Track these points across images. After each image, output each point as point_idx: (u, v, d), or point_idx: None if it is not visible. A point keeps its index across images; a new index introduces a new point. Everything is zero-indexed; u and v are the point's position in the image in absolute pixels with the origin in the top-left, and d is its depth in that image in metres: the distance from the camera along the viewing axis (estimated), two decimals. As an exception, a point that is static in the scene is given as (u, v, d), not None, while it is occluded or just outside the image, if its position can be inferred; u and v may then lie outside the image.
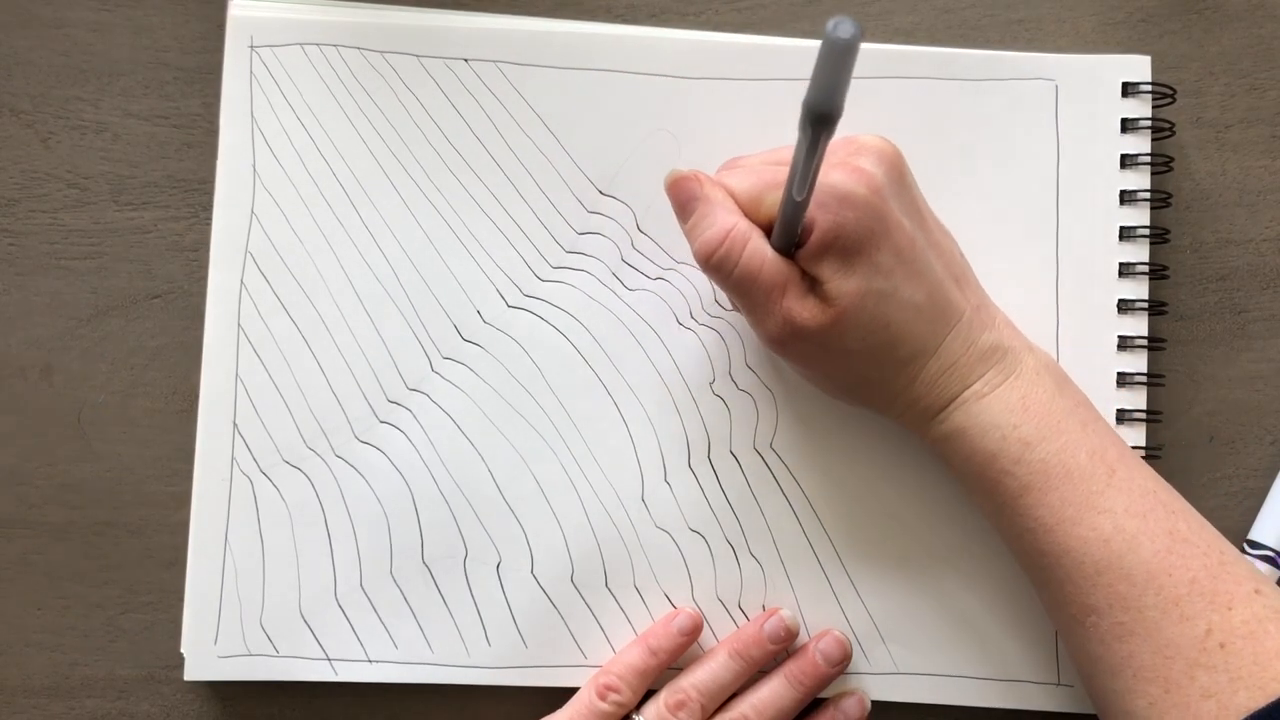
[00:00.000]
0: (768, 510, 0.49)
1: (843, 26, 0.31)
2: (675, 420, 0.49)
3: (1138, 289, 0.49)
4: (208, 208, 0.50)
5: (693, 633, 0.48)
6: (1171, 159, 0.49)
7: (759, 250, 0.42)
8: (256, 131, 0.49)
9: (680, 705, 0.46)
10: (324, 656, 0.48)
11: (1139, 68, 0.49)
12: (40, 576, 0.49)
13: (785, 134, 0.49)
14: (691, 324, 0.49)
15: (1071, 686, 0.48)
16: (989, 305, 0.45)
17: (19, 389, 0.50)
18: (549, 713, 0.46)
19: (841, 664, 0.47)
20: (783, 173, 0.41)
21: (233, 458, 0.48)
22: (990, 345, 0.43)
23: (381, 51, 0.49)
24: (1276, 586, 0.41)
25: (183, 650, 0.48)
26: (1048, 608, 0.44)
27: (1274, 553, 0.49)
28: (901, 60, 0.49)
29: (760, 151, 0.47)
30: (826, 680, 0.47)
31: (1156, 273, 0.49)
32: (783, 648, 0.48)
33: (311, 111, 0.49)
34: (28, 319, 0.50)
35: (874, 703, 0.48)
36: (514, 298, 0.49)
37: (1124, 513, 0.41)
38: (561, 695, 0.47)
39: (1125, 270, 0.49)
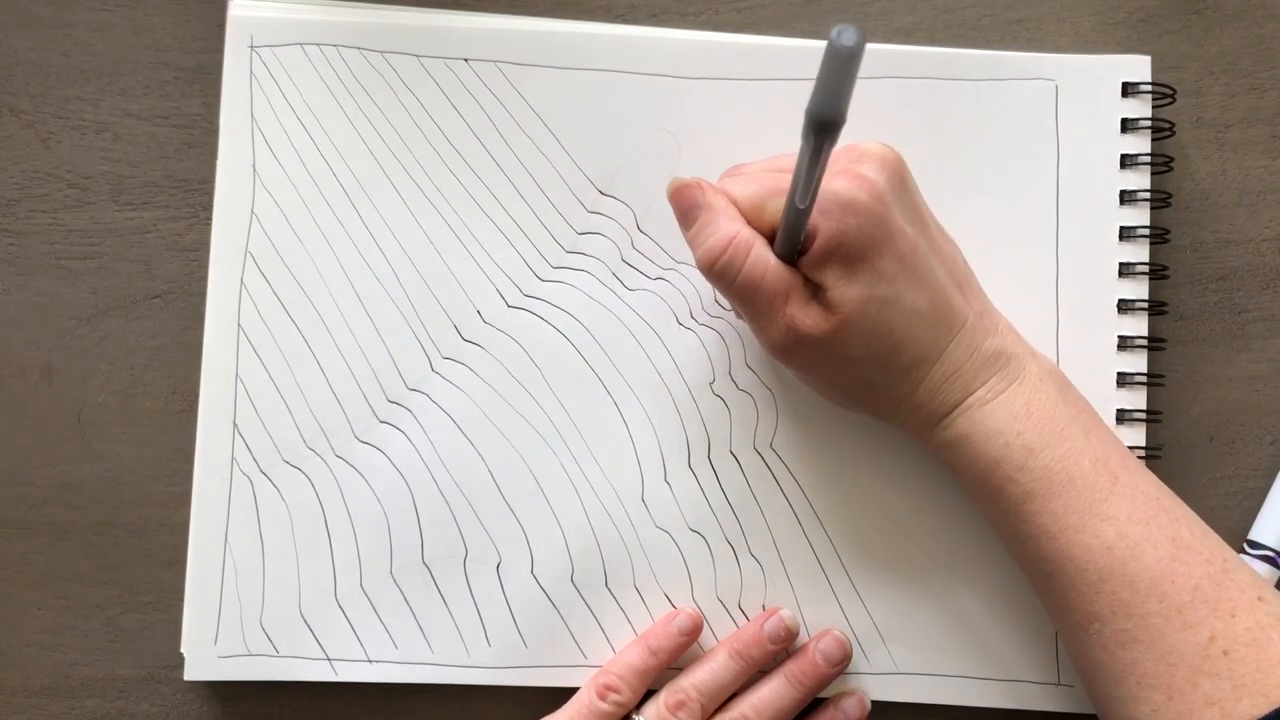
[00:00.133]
0: (768, 510, 0.49)
1: (846, 34, 0.31)
2: (675, 420, 0.49)
3: (1138, 289, 0.49)
4: (208, 208, 0.50)
5: (693, 633, 0.48)
6: (1171, 159, 0.49)
7: (762, 258, 0.42)
8: (256, 131, 0.49)
9: (680, 705, 0.46)
10: (324, 656, 0.48)
11: (1139, 68, 0.49)
12: (40, 576, 0.49)
13: (785, 134, 0.49)
14: (691, 324, 0.49)
15: (1071, 686, 0.48)
16: (992, 311, 0.45)
17: (19, 389, 0.50)
18: (549, 713, 0.46)
19: (841, 664, 0.47)
20: (785, 180, 0.41)
21: (233, 458, 0.48)
22: (993, 351, 0.43)
23: (381, 51, 0.49)
24: (1279, 593, 0.41)
25: (183, 650, 0.48)
26: (1051, 614, 0.44)
27: (1274, 553, 0.49)
28: (901, 60, 0.49)
29: (762, 159, 0.46)
30: (826, 680, 0.47)
31: (1156, 273, 0.49)
32: (783, 648, 0.48)
33: (311, 111, 0.49)
34: (28, 319, 0.50)
35: (874, 703, 0.48)
36: (514, 298, 0.49)
37: (1127, 520, 0.41)
38: (561, 695, 0.47)
39: (1125, 270, 0.49)
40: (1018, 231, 0.49)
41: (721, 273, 0.42)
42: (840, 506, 0.49)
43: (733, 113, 0.49)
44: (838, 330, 0.41)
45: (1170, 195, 0.50)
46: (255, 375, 0.49)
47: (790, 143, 0.49)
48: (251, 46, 0.49)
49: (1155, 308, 0.49)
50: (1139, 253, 0.49)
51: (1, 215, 0.50)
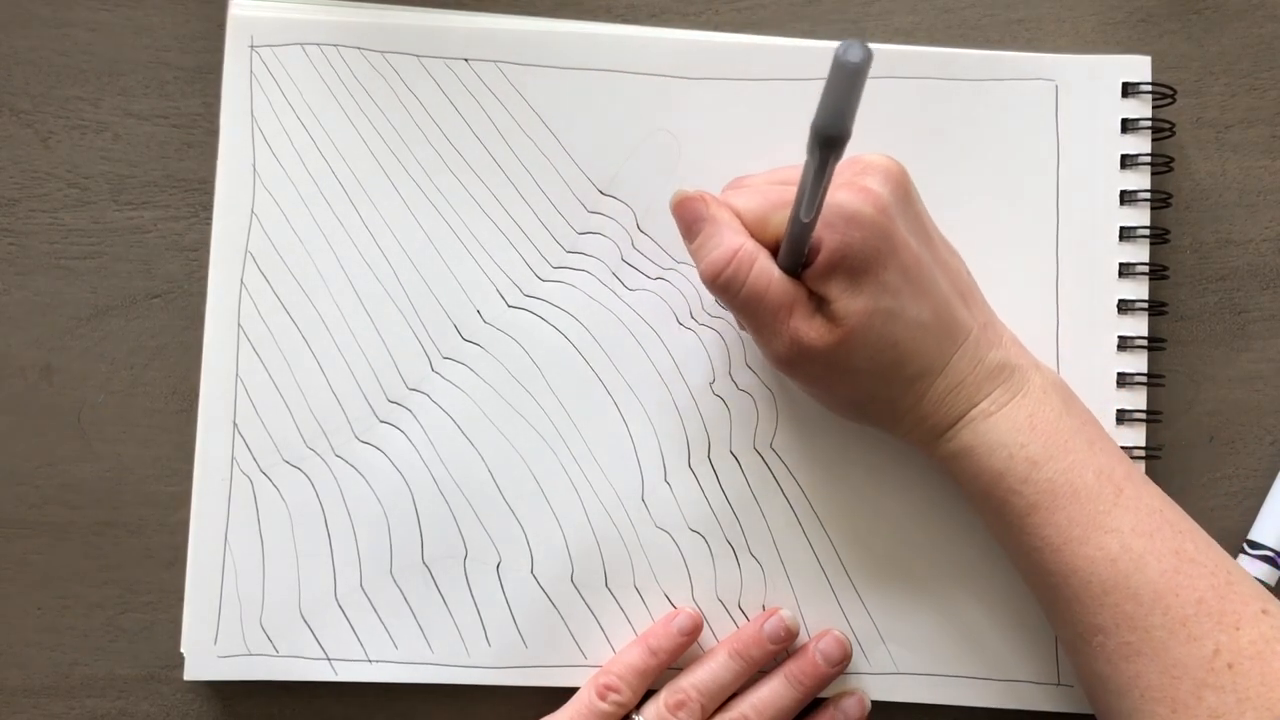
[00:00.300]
0: (768, 510, 0.49)
1: (853, 50, 0.31)
2: (675, 420, 0.49)
3: (1138, 289, 0.49)
4: (208, 208, 0.50)
5: (693, 633, 0.48)
6: (1171, 159, 0.49)
7: (766, 270, 0.42)
8: (256, 131, 0.49)
9: (680, 705, 0.46)
10: (324, 656, 0.48)
11: (1139, 68, 0.49)
12: (40, 576, 0.49)
13: (786, 134, 0.49)
14: (691, 324, 0.49)
15: (1071, 686, 0.48)
16: (996, 323, 0.45)
17: (19, 389, 0.50)
18: (549, 713, 0.46)
19: (841, 664, 0.47)
20: (788, 192, 0.41)
21: (233, 458, 0.48)
22: (997, 363, 0.43)
23: (381, 51, 0.49)
24: None
25: (183, 650, 0.48)
26: (1054, 626, 0.44)
27: (1274, 553, 0.49)
28: (901, 60, 0.49)
29: (765, 171, 0.46)
30: (826, 680, 0.47)
31: (1156, 273, 0.49)
32: (783, 648, 0.48)
33: (311, 111, 0.49)
34: (28, 319, 0.50)
35: (874, 703, 0.48)
36: (514, 298, 0.49)
37: (1131, 532, 0.41)
38: (561, 695, 0.47)
39: (1125, 270, 0.49)
40: (1018, 231, 0.49)
41: (725, 286, 0.42)
42: (840, 507, 0.49)
43: (733, 113, 0.49)
44: (842, 343, 0.41)
45: (1170, 195, 0.50)
46: (255, 375, 0.49)
47: (790, 142, 0.49)
48: (251, 46, 0.49)
49: (1155, 308, 0.49)
50: (1139, 253, 0.49)
51: (1, 215, 0.50)
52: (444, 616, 0.48)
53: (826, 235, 0.40)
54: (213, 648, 0.48)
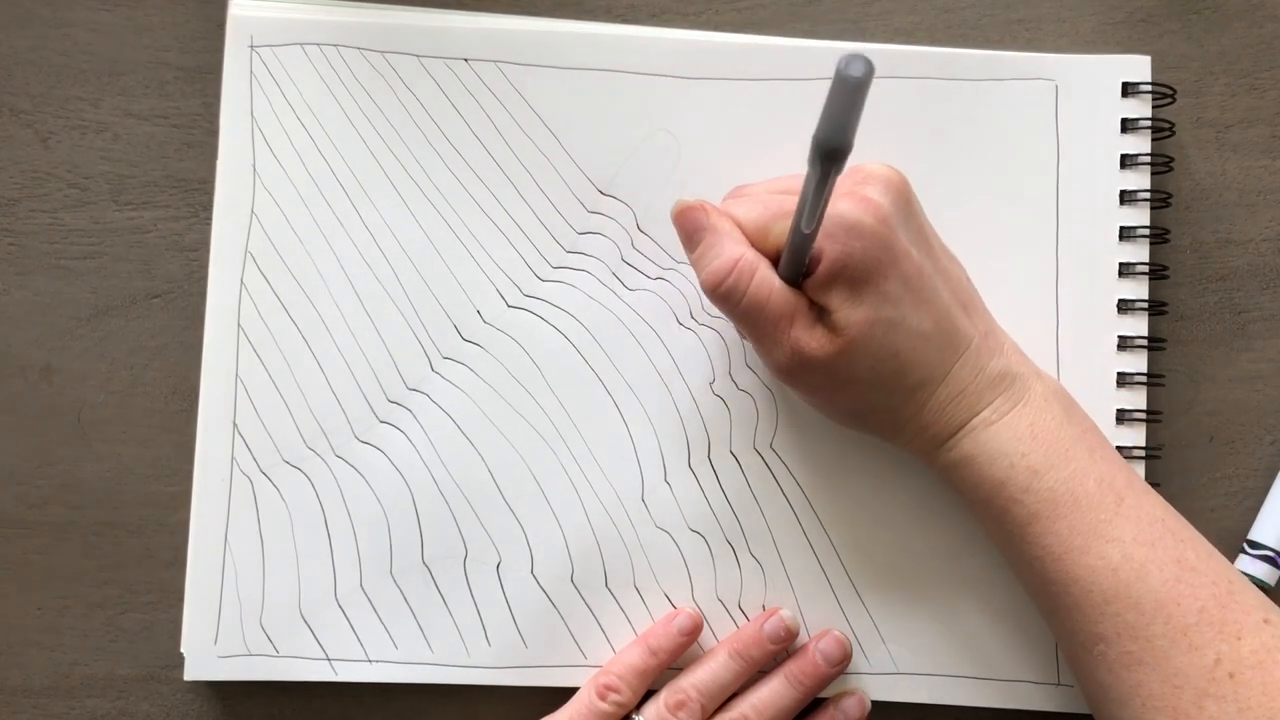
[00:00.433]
0: (768, 510, 0.49)
1: (854, 65, 0.31)
2: (675, 420, 0.49)
3: (1138, 289, 0.49)
4: (208, 208, 0.50)
5: (693, 633, 0.48)
6: (1171, 159, 0.49)
7: (766, 280, 0.42)
8: (256, 131, 0.49)
9: (680, 705, 0.46)
10: (324, 656, 0.48)
11: (1139, 68, 0.49)
12: (40, 576, 0.49)
13: (786, 134, 0.49)
14: (691, 324, 0.49)
15: (1071, 687, 0.48)
16: (997, 331, 0.45)
17: (19, 389, 0.50)
18: (549, 713, 0.46)
19: (841, 664, 0.47)
20: (789, 202, 0.41)
21: (233, 458, 0.48)
22: (998, 372, 0.43)
23: (381, 51, 0.49)
24: None
25: (183, 650, 0.48)
26: (1056, 635, 0.44)
27: (1274, 553, 0.49)
28: (901, 60, 0.49)
29: (766, 180, 0.46)
30: (826, 680, 0.47)
31: (1156, 273, 0.49)
32: (783, 648, 0.48)
33: (311, 111, 0.49)
34: (28, 319, 0.50)
35: (874, 703, 0.48)
36: (514, 298, 0.49)
37: (1132, 541, 0.41)
38: (561, 695, 0.47)
39: (1125, 270, 0.49)
40: (1018, 231, 0.49)
41: (726, 296, 0.42)
42: (840, 507, 0.49)
43: (733, 113, 0.49)
44: (842, 353, 0.41)
45: (1170, 195, 0.50)
46: (255, 375, 0.49)
47: (791, 142, 0.49)
48: (251, 46, 0.49)
49: (1155, 308, 0.49)
50: (1139, 253, 0.49)
51: (1, 215, 0.50)
52: (444, 616, 0.48)
53: (827, 245, 0.40)
54: (213, 648, 0.48)
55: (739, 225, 0.43)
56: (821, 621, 0.48)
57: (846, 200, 0.41)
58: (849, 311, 0.41)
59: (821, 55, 0.49)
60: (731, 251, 0.42)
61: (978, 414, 0.43)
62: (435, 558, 0.48)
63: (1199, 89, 0.51)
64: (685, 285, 0.49)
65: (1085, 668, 0.42)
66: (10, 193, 0.50)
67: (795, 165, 0.47)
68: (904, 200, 0.42)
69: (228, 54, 0.49)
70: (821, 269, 0.41)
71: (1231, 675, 0.39)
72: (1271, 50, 0.51)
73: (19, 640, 0.49)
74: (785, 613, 0.48)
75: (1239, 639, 0.40)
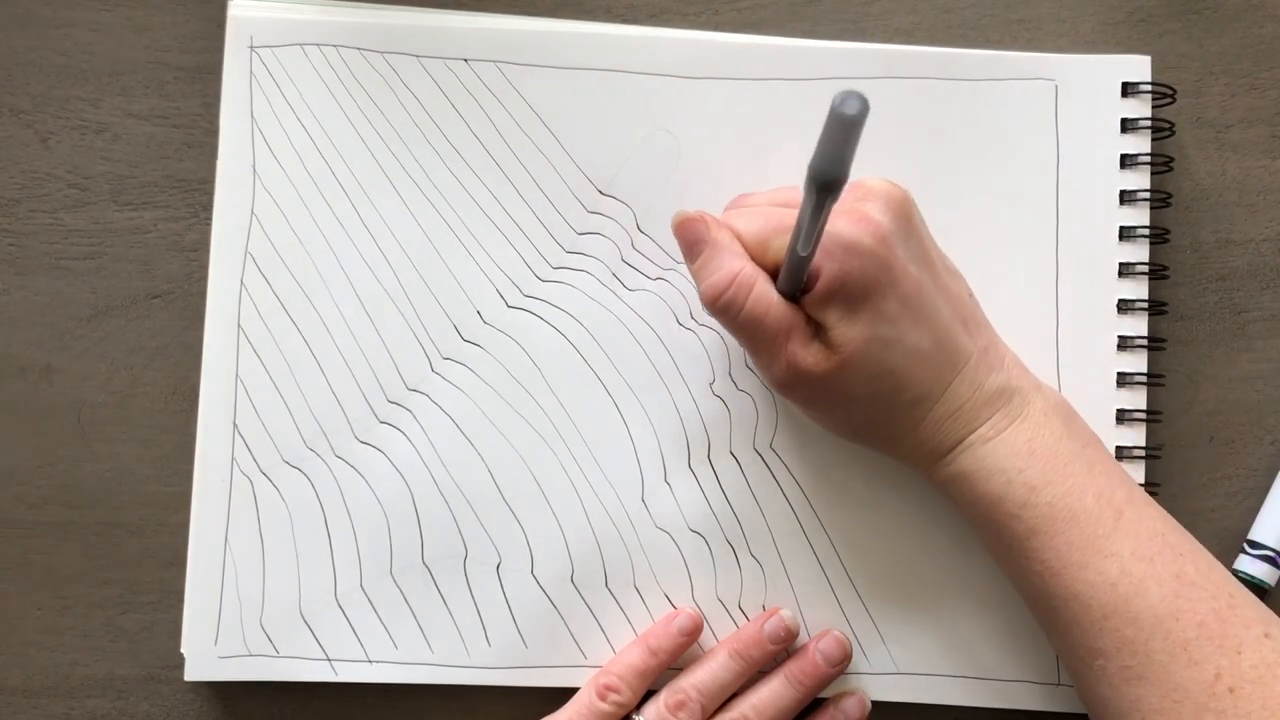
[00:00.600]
0: (768, 510, 0.49)
1: (850, 103, 0.32)
2: (675, 420, 0.49)
3: (1138, 289, 0.49)
4: (208, 208, 0.50)
5: (693, 633, 0.48)
6: (1171, 159, 0.49)
7: (764, 295, 0.42)
8: (256, 131, 0.49)
9: (680, 705, 0.46)
10: (324, 657, 0.48)
11: (1139, 68, 0.49)
12: (40, 576, 0.49)
13: (785, 133, 0.49)
14: (691, 324, 0.49)
15: (1071, 687, 0.48)
16: (998, 345, 0.44)
17: (19, 389, 0.50)
18: (549, 713, 0.46)
19: (841, 664, 0.47)
20: (790, 216, 0.41)
21: (233, 458, 0.48)
22: (997, 388, 0.43)
23: (381, 51, 0.49)
24: None
25: (183, 650, 0.48)
26: (1056, 648, 0.44)
27: (1274, 553, 0.49)
28: (901, 60, 0.49)
29: (767, 190, 0.46)
30: (826, 680, 0.47)
31: (1156, 273, 0.49)
32: (783, 648, 0.48)
33: (311, 111, 0.49)
34: (28, 319, 0.50)
35: (874, 703, 0.48)
36: (514, 298, 0.49)
37: (1131, 556, 0.41)
38: (561, 695, 0.47)
39: (1125, 270, 0.49)
40: (1018, 231, 0.49)
41: (724, 309, 0.42)
42: (840, 507, 0.49)
43: (733, 113, 0.49)
44: (838, 369, 0.41)
45: (1170, 195, 0.50)
46: (255, 375, 0.49)
47: (790, 142, 0.49)
48: (251, 47, 0.49)
49: (1155, 308, 0.49)
50: (1139, 253, 0.49)
51: (1, 215, 0.50)
52: (444, 617, 0.48)
53: (825, 263, 0.40)
54: (213, 648, 0.48)
55: (739, 238, 0.43)
56: (821, 622, 0.48)
57: (845, 218, 0.41)
58: (845, 329, 0.41)
59: (821, 55, 0.49)
60: (730, 265, 0.42)
61: (975, 430, 0.43)
62: (435, 558, 0.48)
63: (1199, 89, 0.51)
64: (685, 285, 0.49)
65: (1085, 682, 0.42)
66: (10, 193, 0.50)
67: (795, 165, 0.47)
68: (904, 217, 0.42)
69: (228, 54, 0.49)
70: (819, 287, 0.41)
71: (1232, 690, 0.39)
72: (1271, 50, 0.51)
73: (19, 640, 0.49)
74: (785, 613, 0.48)
75: (1239, 653, 0.40)
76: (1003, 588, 0.48)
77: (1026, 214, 0.49)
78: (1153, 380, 0.49)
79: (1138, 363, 0.49)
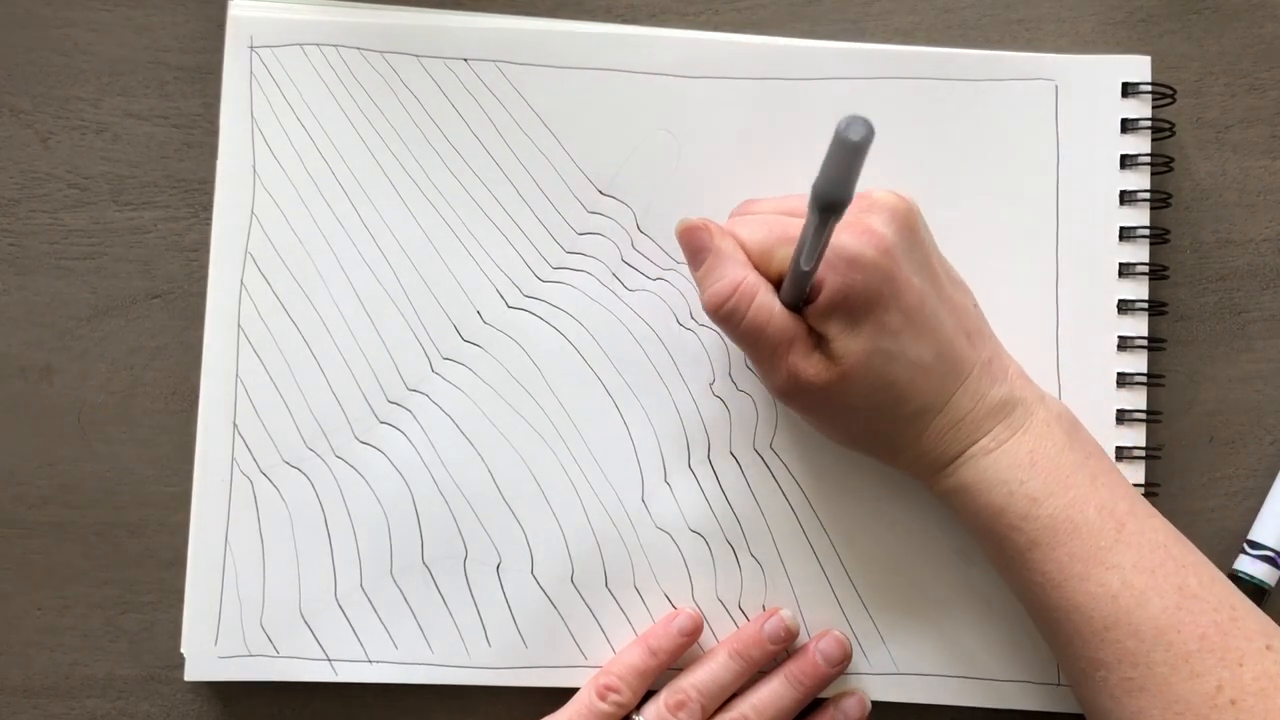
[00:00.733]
0: (768, 510, 0.49)
1: (854, 128, 0.32)
2: (675, 420, 0.49)
3: (1138, 289, 0.49)
4: (208, 208, 0.50)
5: (693, 633, 0.48)
6: (1171, 159, 0.49)
7: (766, 305, 0.42)
8: (256, 131, 0.49)
9: (680, 705, 0.46)
10: (324, 657, 0.48)
11: (1139, 68, 0.49)
12: (40, 576, 0.49)
13: (785, 134, 0.49)
14: (691, 324, 0.49)
15: (1070, 687, 0.48)
16: (1001, 356, 0.44)
17: (19, 389, 0.50)
18: (549, 713, 0.46)
19: (841, 664, 0.47)
20: (794, 226, 0.41)
21: (233, 458, 0.48)
22: (1000, 400, 0.43)
23: (381, 51, 0.49)
24: None
25: (183, 650, 0.48)
26: (1058, 659, 0.44)
27: (1274, 553, 0.49)
28: (901, 60, 0.49)
29: (773, 198, 0.46)
30: (826, 680, 0.47)
31: (1156, 273, 0.49)
32: (783, 648, 0.48)
33: (311, 111, 0.49)
34: (28, 319, 0.50)
35: (874, 703, 0.48)
36: (514, 298, 0.49)
37: (1132, 568, 0.41)
38: (561, 695, 0.47)
39: (1125, 270, 0.49)
40: (1018, 231, 0.49)
41: (726, 317, 0.42)
42: (840, 507, 0.49)
43: (733, 113, 0.49)
44: (839, 380, 0.41)
45: (1170, 195, 0.50)
46: (255, 375, 0.49)
47: (790, 142, 0.49)
48: (251, 47, 0.49)
49: (1155, 308, 0.49)
50: (1139, 253, 0.49)
51: (1, 215, 0.50)
52: (444, 617, 0.48)
53: (829, 276, 0.40)
54: (213, 648, 0.48)
55: (743, 246, 0.43)
56: (821, 622, 0.48)
57: (849, 231, 0.41)
58: (847, 341, 0.41)
59: (821, 55, 0.49)
60: (733, 275, 0.42)
61: (976, 442, 0.43)
62: (435, 558, 0.48)
63: (1199, 89, 0.51)
64: (685, 285, 0.49)
65: (1087, 693, 0.42)
66: (10, 193, 0.50)
67: (795, 165, 0.47)
68: (909, 229, 0.42)
69: (228, 54, 0.49)
70: (822, 299, 0.41)
71: (1233, 702, 0.39)
72: (1271, 50, 0.51)
73: (19, 640, 0.49)
74: (785, 613, 0.48)
75: (1241, 666, 0.40)
76: (1003, 589, 0.48)
77: (1026, 214, 0.49)
78: (1153, 380, 0.49)
79: (1138, 363, 0.49)
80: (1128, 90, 0.49)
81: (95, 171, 0.50)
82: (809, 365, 0.42)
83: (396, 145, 0.49)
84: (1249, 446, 0.50)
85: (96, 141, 0.50)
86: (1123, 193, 0.49)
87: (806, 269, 0.39)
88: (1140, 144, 0.49)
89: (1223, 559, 0.49)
